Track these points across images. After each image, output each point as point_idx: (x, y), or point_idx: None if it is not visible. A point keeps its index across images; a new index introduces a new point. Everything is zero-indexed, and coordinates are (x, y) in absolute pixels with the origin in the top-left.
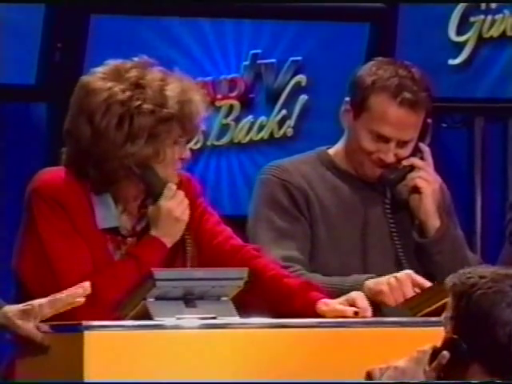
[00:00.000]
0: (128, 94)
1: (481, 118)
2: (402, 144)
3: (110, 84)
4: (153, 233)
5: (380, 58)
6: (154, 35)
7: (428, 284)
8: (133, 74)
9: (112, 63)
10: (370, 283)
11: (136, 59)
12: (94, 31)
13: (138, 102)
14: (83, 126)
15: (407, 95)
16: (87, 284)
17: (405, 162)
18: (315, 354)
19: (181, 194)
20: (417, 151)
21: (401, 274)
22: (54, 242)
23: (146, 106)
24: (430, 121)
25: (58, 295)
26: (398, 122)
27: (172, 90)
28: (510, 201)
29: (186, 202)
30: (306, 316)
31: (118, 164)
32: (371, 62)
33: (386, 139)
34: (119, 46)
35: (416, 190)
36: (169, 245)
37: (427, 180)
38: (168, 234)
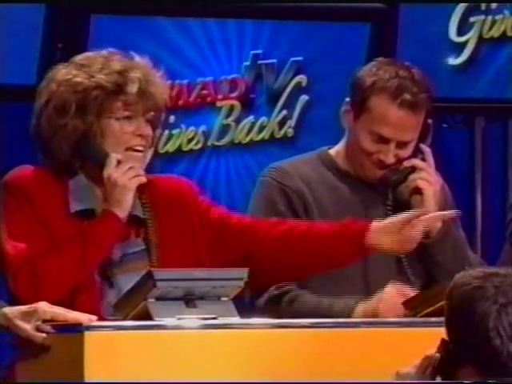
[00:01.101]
0: (67, 71)
1: (481, 118)
2: (402, 145)
3: (61, 67)
4: (103, 205)
5: (380, 59)
6: (154, 35)
7: (412, 294)
8: (83, 56)
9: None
10: (361, 307)
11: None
12: (95, 31)
13: (69, 77)
14: (33, 116)
15: (407, 97)
16: (94, 318)
17: (406, 164)
18: (316, 355)
19: (129, 163)
20: (418, 152)
21: (388, 289)
22: (8, 230)
23: (75, 80)
24: (430, 121)
25: (62, 312)
26: (398, 123)
27: (111, 65)
28: (510, 201)
29: (138, 171)
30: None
31: (57, 141)
32: (372, 63)
33: (386, 140)
34: (120, 46)
35: (417, 191)
36: (120, 214)
37: (428, 181)
38: (115, 202)
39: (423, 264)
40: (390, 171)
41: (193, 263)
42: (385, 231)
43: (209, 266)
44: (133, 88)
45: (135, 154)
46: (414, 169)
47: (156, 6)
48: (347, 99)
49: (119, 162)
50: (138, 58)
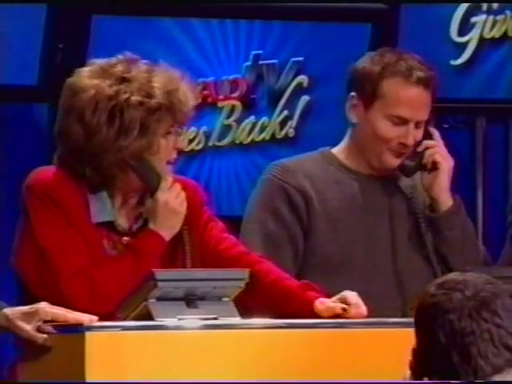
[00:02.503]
0: (115, 88)
1: (482, 119)
2: (419, 124)
3: (96, 81)
4: (151, 226)
5: (375, 51)
6: (155, 36)
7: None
8: (118, 68)
9: (97, 62)
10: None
11: (120, 56)
12: (96, 32)
13: (126, 95)
14: (74, 125)
15: (419, 73)
16: (95, 318)
17: (419, 149)
18: (317, 355)
19: (177, 186)
20: (427, 135)
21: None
22: (48, 237)
23: (135, 98)
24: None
25: (63, 312)
26: (415, 101)
27: (158, 80)
28: (510, 203)
29: (183, 194)
30: (303, 316)
31: (112, 159)
32: (369, 54)
33: (405, 121)
34: (121, 47)
35: (434, 166)
36: (167, 238)
37: (443, 155)
38: (166, 227)
39: (433, 241)
40: (407, 159)
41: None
42: (324, 313)
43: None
44: (182, 105)
45: (170, 166)
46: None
47: (157, 6)
48: (352, 93)
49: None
50: (163, 67)
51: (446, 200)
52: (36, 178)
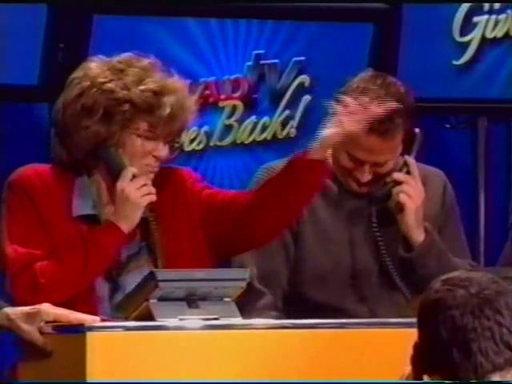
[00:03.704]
0: (102, 74)
1: (484, 119)
2: (378, 165)
3: (94, 65)
4: (110, 217)
5: (367, 73)
6: (156, 35)
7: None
8: (122, 58)
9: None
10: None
11: (136, 54)
12: (97, 31)
13: (103, 80)
14: (59, 100)
15: (375, 126)
16: (97, 318)
17: (388, 179)
18: (318, 355)
19: (143, 180)
20: (403, 165)
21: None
22: (11, 231)
23: (109, 85)
24: (417, 130)
25: (65, 313)
26: (370, 148)
27: (149, 81)
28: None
29: (150, 189)
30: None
31: (78, 139)
32: (360, 76)
33: (360, 161)
34: (122, 47)
35: (399, 204)
36: (124, 228)
37: (410, 195)
38: (123, 217)
39: (407, 277)
40: (375, 187)
41: (193, 259)
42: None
43: (207, 257)
44: (164, 112)
45: (148, 173)
46: (398, 182)
47: (158, 6)
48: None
49: (134, 176)
50: (175, 78)
51: (416, 238)
52: (16, 175)
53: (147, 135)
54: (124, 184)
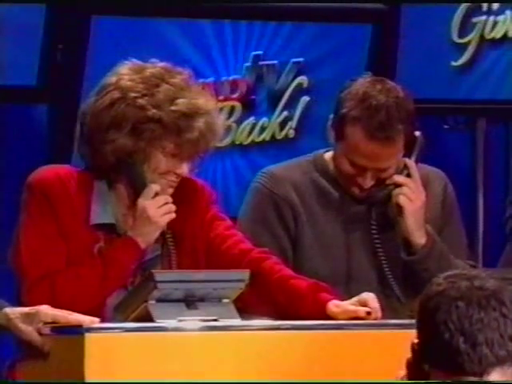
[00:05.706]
0: (136, 84)
1: (483, 120)
2: (379, 170)
3: (127, 70)
4: (129, 232)
5: (368, 78)
6: (154, 36)
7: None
8: (156, 70)
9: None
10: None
11: (180, 68)
12: (95, 32)
13: (135, 95)
14: (88, 102)
15: (377, 133)
16: (96, 320)
17: (388, 181)
18: (316, 357)
19: (165, 198)
20: (404, 167)
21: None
22: (29, 236)
23: (140, 101)
24: (418, 134)
25: (63, 314)
26: (371, 155)
27: (180, 101)
28: (509, 197)
29: (170, 207)
30: (316, 318)
31: (104, 150)
32: (361, 80)
33: (362, 168)
34: (120, 47)
35: (399, 209)
36: (142, 244)
37: (409, 198)
38: (141, 234)
39: (409, 280)
40: (375, 189)
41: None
42: (341, 316)
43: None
44: (192, 135)
45: (168, 188)
46: (398, 184)
47: (156, 7)
48: (331, 116)
49: (156, 194)
50: (207, 97)
51: (417, 241)
52: (37, 176)
53: (173, 154)
54: (146, 202)
